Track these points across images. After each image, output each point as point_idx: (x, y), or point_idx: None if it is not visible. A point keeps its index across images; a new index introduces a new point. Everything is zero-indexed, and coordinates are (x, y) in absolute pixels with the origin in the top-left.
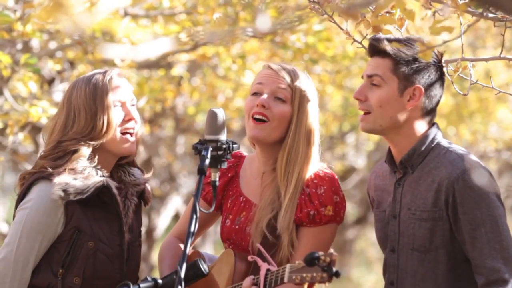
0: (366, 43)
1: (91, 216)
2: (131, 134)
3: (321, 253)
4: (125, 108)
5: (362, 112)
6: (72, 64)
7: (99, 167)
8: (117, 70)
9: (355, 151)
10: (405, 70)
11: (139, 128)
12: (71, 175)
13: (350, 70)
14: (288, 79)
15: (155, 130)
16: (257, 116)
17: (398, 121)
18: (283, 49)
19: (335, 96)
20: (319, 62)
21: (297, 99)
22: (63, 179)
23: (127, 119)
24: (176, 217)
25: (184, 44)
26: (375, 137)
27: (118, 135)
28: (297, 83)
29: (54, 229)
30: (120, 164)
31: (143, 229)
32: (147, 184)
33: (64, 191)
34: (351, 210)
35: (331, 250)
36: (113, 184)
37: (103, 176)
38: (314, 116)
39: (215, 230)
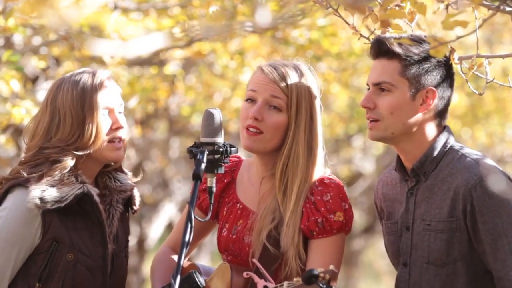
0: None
1: (71, 226)
2: (119, 140)
3: (320, 270)
4: (113, 115)
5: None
6: (57, 61)
7: (80, 172)
8: (107, 73)
9: (363, 155)
10: (415, 71)
11: (126, 135)
12: (49, 182)
13: (357, 68)
14: (282, 84)
15: (147, 132)
16: (251, 129)
17: (411, 127)
18: (285, 45)
19: (340, 96)
20: (323, 59)
21: (294, 106)
22: (40, 186)
23: (115, 127)
24: (169, 226)
25: (178, 40)
26: None
27: (105, 144)
28: (293, 88)
29: (31, 240)
30: (105, 170)
31: (134, 239)
32: (134, 190)
33: (41, 199)
34: (358, 218)
35: (331, 267)
36: (94, 191)
37: (84, 182)
38: (315, 119)
39: (211, 240)
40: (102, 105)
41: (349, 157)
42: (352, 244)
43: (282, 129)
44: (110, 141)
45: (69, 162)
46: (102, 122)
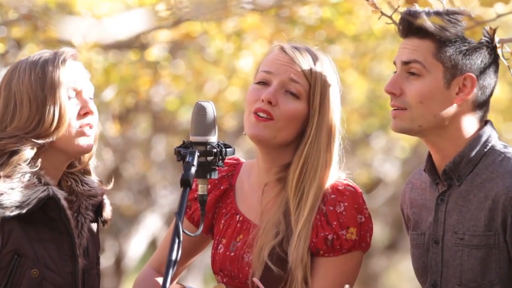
0: (398, 18)
1: (35, 236)
2: (89, 127)
3: None
4: (81, 98)
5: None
6: (18, 44)
7: (42, 172)
8: (71, 51)
9: (384, 157)
10: (452, 54)
11: (97, 125)
12: (7, 184)
13: (377, 53)
14: (306, 68)
15: (126, 130)
16: (261, 114)
17: (443, 120)
18: (291, 25)
19: (357, 86)
20: (337, 41)
21: (318, 96)
22: None
23: (84, 112)
24: (153, 243)
25: (163, 19)
26: (413, 139)
27: (73, 130)
28: (318, 75)
29: None
30: (70, 172)
31: (111, 258)
32: (105, 197)
33: None
34: (380, 233)
35: (346, 287)
36: (61, 195)
37: (48, 184)
38: (336, 116)
39: (202, 258)
40: (67, 84)
41: (368, 160)
42: (371, 264)
43: (297, 120)
44: (78, 127)
45: (28, 152)
46: (66, 104)
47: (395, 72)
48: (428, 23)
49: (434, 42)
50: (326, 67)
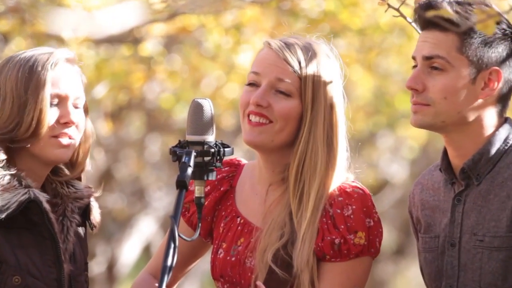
0: (406, 10)
1: (16, 242)
2: (67, 137)
3: None
4: (64, 106)
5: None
6: (5, 38)
7: (23, 174)
8: (68, 53)
9: (391, 158)
10: (477, 47)
11: (78, 136)
12: None
13: (384, 47)
14: (294, 63)
15: (119, 129)
16: (253, 118)
17: (467, 116)
18: (293, 18)
19: (363, 82)
20: (341, 35)
21: (309, 91)
22: None
23: (64, 121)
24: (147, 249)
25: (158, 12)
26: (422, 139)
27: (49, 138)
28: (309, 68)
29: None
30: (59, 179)
31: (103, 265)
32: (93, 199)
33: None
34: (387, 238)
35: None
36: (43, 197)
37: (30, 186)
38: (336, 110)
39: (200, 264)
40: (51, 90)
41: (374, 160)
42: (377, 270)
43: (294, 118)
44: (55, 135)
45: (0, 155)
46: (47, 111)
47: (415, 66)
48: (452, 13)
49: (457, 35)
50: (320, 58)
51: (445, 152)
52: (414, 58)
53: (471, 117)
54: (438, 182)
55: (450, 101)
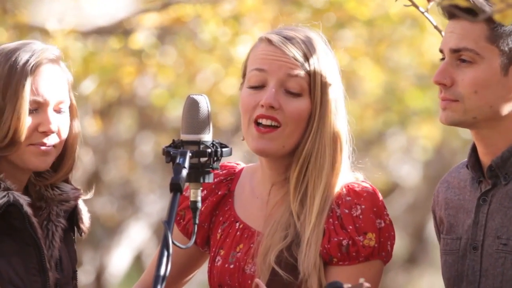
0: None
1: None
2: (46, 145)
3: (347, 285)
4: (44, 113)
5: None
6: None
7: (2, 176)
8: (53, 53)
9: (403, 158)
10: (508, 35)
11: (59, 142)
12: None
13: (394, 39)
14: (300, 57)
15: (107, 127)
16: (264, 122)
17: (500, 110)
18: (296, 7)
19: (372, 77)
20: (348, 26)
21: (318, 88)
22: None
23: (42, 130)
24: (138, 256)
25: (149, 1)
26: (435, 139)
27: (27, 147)
28: (315, 61)
29: None
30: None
31: (91, 274)
32: (80, 202)
33: None
34: (398, 245)
35: (361, 280)
36: (24, 200)
37: (9, 189)
38: (341, 107)
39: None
40: (30, 97)
41: (383, 161)
42: (387, 280)
43: (304, 119)
44: (33, 143)
45: None
46: (25, 119)
47: (442, 59)
48: (479, 2)
49: (487, 24)
50: (322, 50)
51: (473, 148)
52: (441, 51)
53: (505, 111)
54: (465, 181)
55: (480, 95)
